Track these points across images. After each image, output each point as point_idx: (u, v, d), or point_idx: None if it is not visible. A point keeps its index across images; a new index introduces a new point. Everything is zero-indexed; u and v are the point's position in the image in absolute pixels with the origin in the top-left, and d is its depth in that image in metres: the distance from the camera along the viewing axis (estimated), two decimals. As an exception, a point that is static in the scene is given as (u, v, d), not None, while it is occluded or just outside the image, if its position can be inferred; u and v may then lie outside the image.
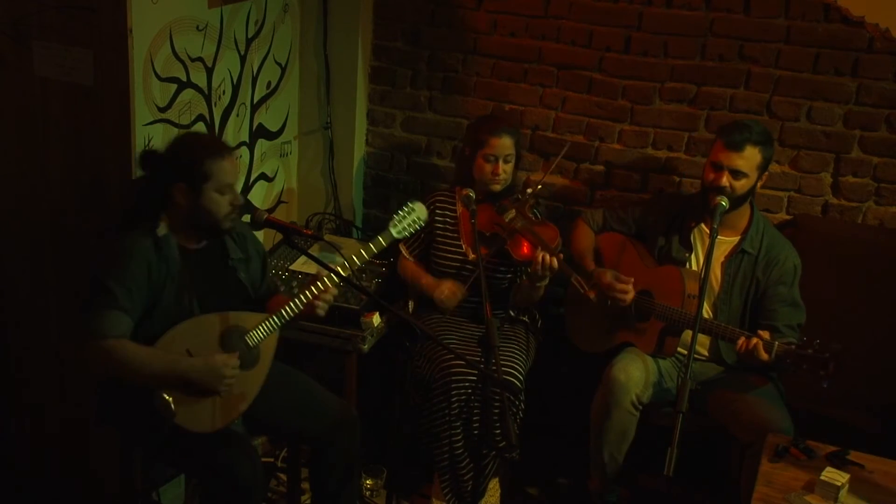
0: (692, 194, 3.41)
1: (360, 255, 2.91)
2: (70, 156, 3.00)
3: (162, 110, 3.03)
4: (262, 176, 3.79)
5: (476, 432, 3.20)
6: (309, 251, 2.93)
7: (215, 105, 3.32)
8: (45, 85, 2.94)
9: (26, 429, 3.40)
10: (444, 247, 3.48)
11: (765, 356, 2.89)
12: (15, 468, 3.43)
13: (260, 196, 3.79)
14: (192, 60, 3.14)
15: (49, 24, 2.86)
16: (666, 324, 3.16)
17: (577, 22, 3.66)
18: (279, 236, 3.42)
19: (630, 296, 3.23)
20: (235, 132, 3.50)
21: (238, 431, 2.83)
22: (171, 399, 2.61)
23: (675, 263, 3.26)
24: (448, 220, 3.50)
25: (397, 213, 3.06)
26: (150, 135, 2.98)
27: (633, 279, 3.24)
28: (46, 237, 3.12)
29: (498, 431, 3.16)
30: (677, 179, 3.71)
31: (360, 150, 4.08)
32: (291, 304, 2.80)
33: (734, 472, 3.24)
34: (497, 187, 3.40)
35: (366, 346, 3.34)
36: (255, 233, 2.99)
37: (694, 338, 2.80)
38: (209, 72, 3.25)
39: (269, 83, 3.69)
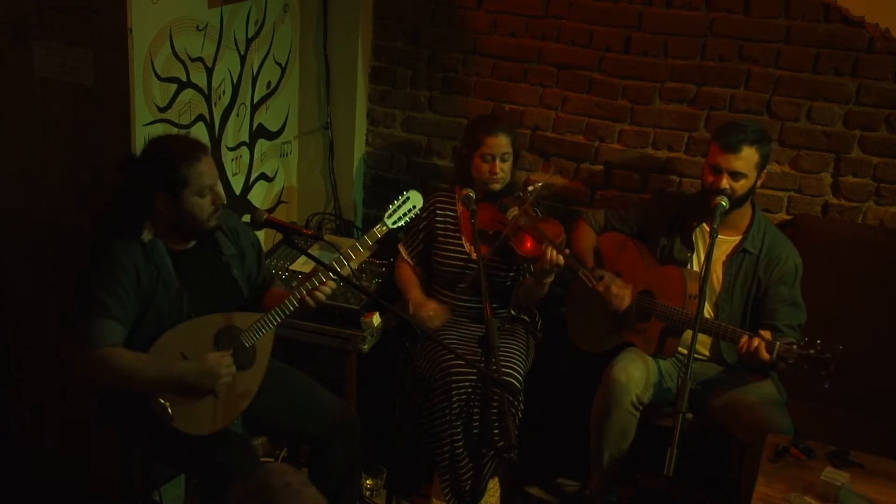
0: (693, 194, 3.41)
1: (355, 249, 2.88)
2: (70, 156, 3.00)
3: (162, 110, 3.03)
4: (262, 176, 3.79)
5: (476, 432, 3.20)
6: (309, 251, 2.92)
7: (215, 105, 3.32)
8: (45, 85, 2.94)
9: (26, 429, 3.40)
10: (447, 247, 3.48)
11: (766, 356, 2.89)
12: (15, 468, 3.43)
13: (260, 196, 3.79)
14: (192, 60, 3.14)
15: (49, 24, 2.86)
16: (667, 324, 3.16)
17: (577, 22, 3.66)
18: (279, 236, 3.42)
19: (626, 301, 3.23)
20: (235, 132, 3.50)
21: (237, 432, 2.83)
22: (167, 404, 2.60)
23: (677, 263, 3.26)
24: (449, 220, 3.50)
25: (392, 203, 3.03)
26: (150, 135, 2.97)
27: (631, 285, 3.24)
28: (46, 237, 3.12)
29: (497, 431, 3.16)
30: (677, 179, 3.71)
31: (360, 150, 4.08)
32: (286, 302, 2.79)
33: (734, 472, 3.25)
34: (496, 186, 3.40)
35: (366, 346, 3.34)
36: (246, 226, 2.97)
37: (694, 338, 2.80)
38: (209, 72, 3.25)
39: (269, 83, 3.69)
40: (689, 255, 3.27)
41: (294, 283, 3.44)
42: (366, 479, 3.52)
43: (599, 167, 3.80)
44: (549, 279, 3.30)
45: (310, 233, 2.96)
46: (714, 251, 3.05)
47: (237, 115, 3.49)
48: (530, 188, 3.37)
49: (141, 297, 2.64)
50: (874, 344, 3.33)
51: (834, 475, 2.58)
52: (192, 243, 2.79)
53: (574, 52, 3.70)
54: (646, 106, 3.67)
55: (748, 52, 3.49)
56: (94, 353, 2.55)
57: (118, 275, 2.60)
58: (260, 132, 3.70)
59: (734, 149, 3.08)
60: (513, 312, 3.51)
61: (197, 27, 3.14)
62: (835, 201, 3.56)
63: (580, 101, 3.75)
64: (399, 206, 3.03)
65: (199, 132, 3.25)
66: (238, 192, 3.60)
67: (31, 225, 3.13)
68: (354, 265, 2.86)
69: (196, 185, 2.63)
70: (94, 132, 2.94)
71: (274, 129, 3.81)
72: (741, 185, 3.10)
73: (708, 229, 3.21)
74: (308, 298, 2.80)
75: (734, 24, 3.48)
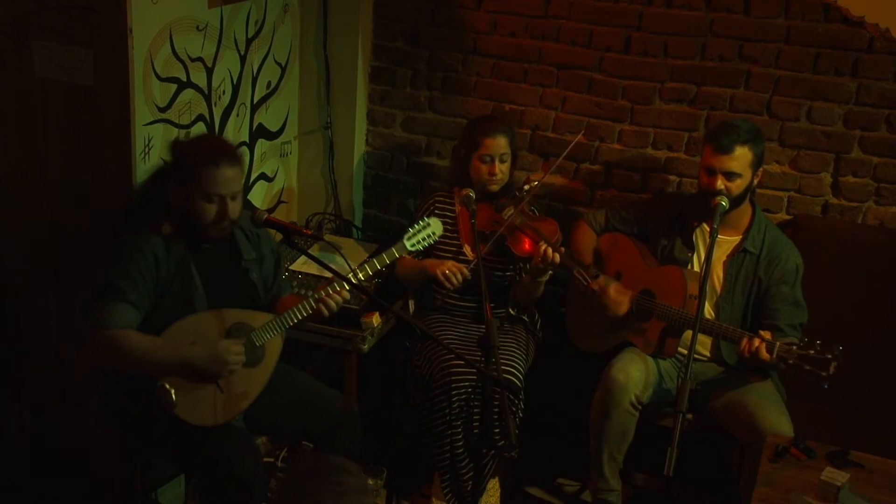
0: (694, 194, 3.41)
1: (371, 265, 2.93)
2: (70, 156, 3.00)
3: (162, 110, 3.03)
4: (262, 176, 3.79)
5: (476, 432, 3.20)
6: (309, 251, 2.93)
7: (215, 105, 3.32)
8: (45, 85, 2.94)
9: (26, 429, 3.40)
10: (444, 247, 3.47)
11: (767, 357, 2.89)
12: (15, 468, 3.43)
13: (260, 196, 3.79)
14: (192, 60, 3.14)
15: (49, 24, 2.86)
16: (667, 324, 3.16)
17: (577, 22, 3.66)
18: (279, 236, 3.42)
19: (624, 307, 3.23)
20: (235, 132, 3.50)
21: (239, 426, 2.83)
22: (172, 389, 2.61)
23: (677, 263, 3.26)
24: (447, 220, 3.49)
25: (413, 227, 3.10)
26: (150, 135, 2.98)
27: (630, 291, 3.24)
28: (46, 237, 3.12)
29: (497, 431, 3.16)
30: (677, 179, 3.71)
31: (360, 150, 4.08)
32: (300, 307, 2.80)
33: (734, 472, 3.25)
34: (495, 187, 3.40)
35: (366, 346, 3.34)
36: (268, 233, 2.98)
37: (694, 338, 2.80)
38: (209, 72, 3.25)
39: (269, 83, 3.69)
40: (689, 255, 3.27)
41: (294, 284, 3.45)
42: (366, 479, 3.51)
43: (599, 167, 3.80)
44: (545, 278, 3.31)
45: (310, 233, 2.97)
46: (714, 251, 3.05)
47: (237, 115, 3.49)
48: (526, 187, 3.37)
49: (157, 287, 2.66)
50: (874, 344, 3.33)
51: (834, 475, 2.57)
52: (212, 243, 2.80)
53: (574, 52, 3.70)
54: (646, 106, 3.67)
55: (748, 52, 3.49)
56: (106, 334, 2.56)
57: (137, 261, 2.62)
58: (260, 132, 3.70)
59: (727, 149, 3.08)
60: (512, 312, 3.51)
61: (197, 27, 3.14)
62: (835, 201, 3.56)
63: (580, 101, 3.75)
64: (419, 231, 3.09)
65: (199, 132, 3.24)
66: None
67: (30, 225, 3.13)
68: (363, 277, 2.92)
69: (204, 187, 2.64)
70: (94, 132, 2.94)
71: (274, 129, 3.81)
72: (737, 185, 3.10)
73: (708, 229, 3.21)
74: (322, 306, 2.83)
75: (734, 24, 3.48)
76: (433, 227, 3.12)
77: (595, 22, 3.64)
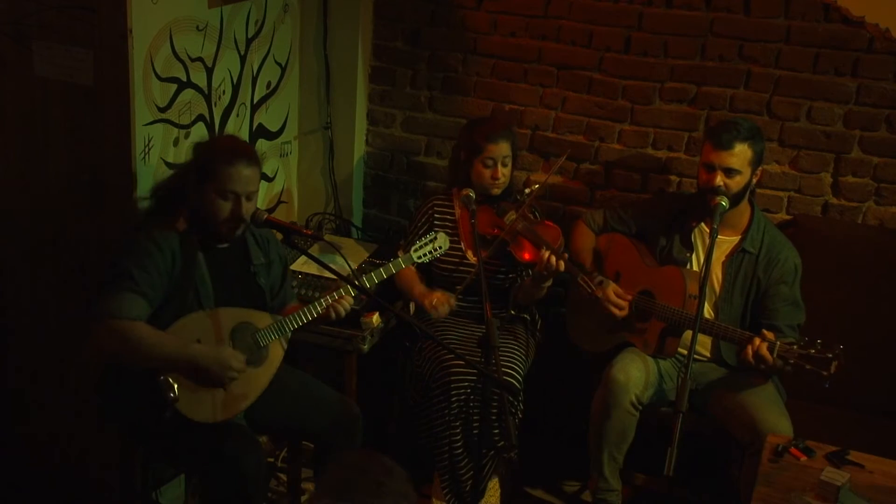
0: (692, 194, 3.41)
1: (378, 275, 3.01)
2: (70, 156, 3.00)
3: (162, 110, 3.03)
4: (263, 176, 3.75)
5: (476, 432, 3.20)
6: (309, 251, 2.94)
7: (215, 105, 3.32)
8: (45, 85, 2.94)
9: (26, 429, 3.40)
10: (446, 253, 3.46)
11: (770, 358, 2.89)
12: (15, 468, 3.43)
13: (260, 196, 3.77)
14: (192, 60, 3.14)
15: (49, 24, 2.86)
16: (667, 324, 3.16)
17: (577, 22, 3.66)
18: (279, 236, 3.42)
19: (624, 311, 3.23)
20: (235, 132, 3.50)
21: (241, 424, 2.84)
22: (175, 383, 2.62)
23: (676, 263, 3.26)
24: (447, 223, 3.49)
25: (420, 239, 3.20)
26: (150, 135, 2.98)
27: (630, 295, 3.24)
28: (46, 237, 3.12)
29: (497, 431, 3.16)
30: (677, 179, 3.71)
31: (360, 150, 4.08)
32: (306, 310, 2.82)
33: (734, 472, 3.25)
34: (496, 191, 3.40)
35: (366, 346, 3.34)
36: (277, 240, 3.01)
37: (694, 338, 2.80)
38: (209, 72, 3.25)
39: (269, 83, 3.69)
40: (688, 255, 3.27)
41: (294, 284, 3.45)
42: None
43: (599, 167, 3.80)
44: (548, 283, 3.31)
45: (310, 233, 2.99)
46: (713, 251, 3.05)
47: (237, 115, 3.49)
48: (527, 190, 3.37)
49: (170, 283, 2.67)
50: (874, 344, 3.33)
51: (834, 475, 2.58)
52: (225, 245, 2.83)
53: (574, 52, 3.70)
54: (646, 106, 3.67)
55: (748, 52, 3.49)
56: (116, 323, 2.57)
57: (153, 254, 2.64)
58: (260, 132, 3.70)
59: (727, 146, 3.08)
60: (512, 312, 3.51)
61: (197, 27, 3.14)
62: (835, 201, 3.56)
63: (580, 101, 3.75)
64: (426, 244, 3.20)
65: (199, 132, 3.25)
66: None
67: (30, 225, 3.13)
68: (368, 285, 2.99)
69: (220, 183, 2.67)
70: (94, 132, 2.94)
71: (274, 129, 3.81)
72: (735, 182, 3.10)
73: (707, 229, 3.22)
74: (331, 310, 2.88)
75: (734, 24, 3.48)
76: (440, 242, 3.22)
77: (595, 22, 3.64)
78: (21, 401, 3.37)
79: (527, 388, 3.29)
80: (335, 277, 2.89)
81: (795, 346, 2.85)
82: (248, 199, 2.74)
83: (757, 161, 3.14)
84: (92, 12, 2.80)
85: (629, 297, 3.24)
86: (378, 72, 3.98)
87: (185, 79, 3.12)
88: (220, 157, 2.70)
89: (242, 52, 3.44)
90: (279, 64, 3.74)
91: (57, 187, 3.05)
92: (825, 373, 2.77)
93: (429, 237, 3.20)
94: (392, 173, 4.10)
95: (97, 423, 3.07)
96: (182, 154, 3.12)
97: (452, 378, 3.19)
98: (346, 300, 2.91)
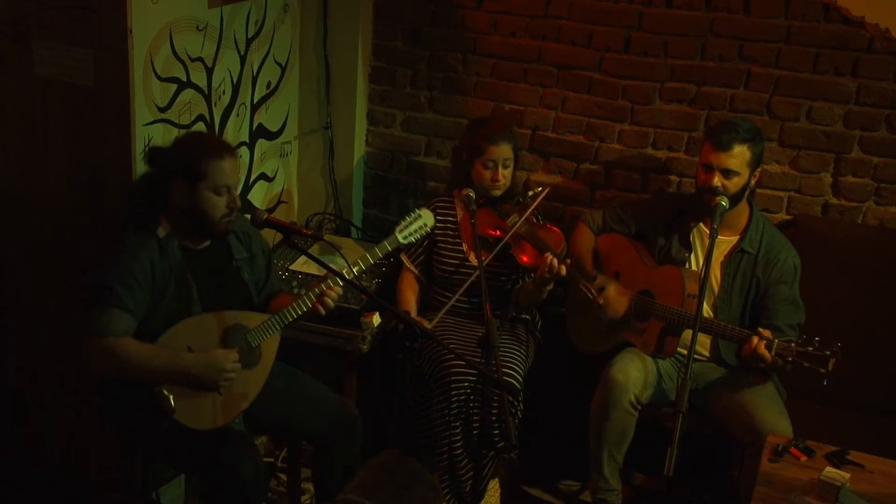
0: (691, 194, 3.41)
1: (364, 260, 2.94)
2: (70, 156, 3.00)
3: (162, 110, 3.03)
4: (262, 176, 3.79)
5: (476, 432, 3.19)
6: (309, 251, 2.93)
7: (215, 105, 3.32)
8: (45, 85, 2.94)
9: (26, 429, 3.40)
10: (446, 252, 3.47)
11: (766, 355, 2.89)
12: (15, 468, 3.43)
13: (260, 196, 3.79)
14: (192, 60, 3.14)
15: (49, 24, 2.87)
16: (666, 324, 3.16)
17: (577, 22, 3.66)
18: (279, 236, 3.41)
19: (621, 312, 3.24)
20: (235, 132, 3.50)
21: (239, 429, 2.83)
22: (170, 395, 2.61)
23: (674, 263, 3.26)
24: (449, 225, 3.49)
25: (404, 219, 3.10)
26: (150, 135, 2.98)
27: (627, 295, 3.24)
28: (46, 237, 3.12)
29: (497, 432, 3.16)
30: (677, 179, 3.71)
31: (360, 150, 4.08)
32: (294, 306, 2.80)
33: (734, 472, 3.24)
34: (497, 192, 3.40)
35: (366, 346, 3.34)
36: (259, 232, 2.99)
37: (694, 338, 2.80)
38: (209, 72, 3.25)
39: (269, 83, 3.69)
40: (686, 255, 3.27)
41: (294, 284, 3.45)
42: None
43: (599, 167, 3.80)
44: (550, 287, 3.30)
45: (310, 233, 2.97)
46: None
47: (237, 115, 3.49)
48: (530, 193, 3.36)
49: (153, 292, 2.66)
50: (874, 344, 3.33)
51: (834, 475, 2.58)
52: (206, 244, 2.80)
53: (574, 52, 3.70)
54: (646, 106, 3.67)
55: (748, 52, 3.49)
56: (102, 342, 2.56)
57: (133, 266, 2.62)
58: (260, 132, 3.70)
59: (726, 147, 3.08)
60: (513, 313, 3.50)
61: (197, 27, 3.14)
62: (835, 201, 3.56)
63: (580, 101, 3.75)
64: (411, 223, 3.10)
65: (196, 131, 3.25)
66: (238, 195, 3.59)
67: (30, 225, 3.13)
68: (357, 272, 2.92)
69: (213, 180, 2.65)
70: (94, 132, 2.94)
71: (274, 129, 3.81)
72: (734, 183, 3.10)
73: (706, 229, 3.22)
74: (319, 305, 2.84)
75: (734, 24, 3.48)
76: (425, 219, 3.12)
77: (595, 22, 3.64)
78: (21, 401, 3.37)
79: (527, 388, 3.29)
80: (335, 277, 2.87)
81: (793, 344, 2.85)
82: (236, 189, 2.74)
83: (756, 162, 3.14)
84: (92, 12, 2.80)
85: (627, 294, 3.24)
86: (378, 72, 3.98)
87: (185, 79, 3.12)
88: (205, 156, 2.65)
89: (242, 52, 3.44)
90: (279, 64, 3.74)
91: (57, 187, 3.05)
92: (823, 370, 2.77)
93: (413, 215, 3.11)
94: (392, 173, 4.10)
95: (97, 423, 3.07)
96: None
97: (453, 378, 3.19)
98: (333, 292, 2.86)
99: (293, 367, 3.06)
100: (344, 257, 2.92)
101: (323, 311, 2.87)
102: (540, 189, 3.37)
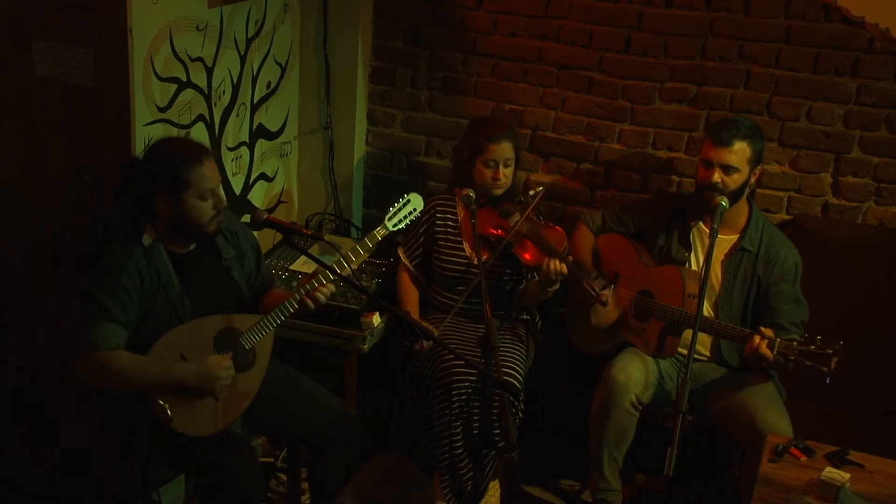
0: (691, 193, 3.41)
1: (356, 252, 2.90)
2: (70, 156, 3.00)
3: (162, 110, 3.03)
4: (262, 176, 3.79)
5: (476, 432, 3.19)
6: (309, 251, 2.93)
7: (215, 105, 3.32)
8: (45, 85, 2.94)
9: (27, 429, 3.40)
10: (447, 251, 3.47)
11: (768, 354, 2.89)
12: (15, 468, 3.43)
13: (260, 196, 3.79)
14: (192, 60, 3.14)
15: (49, 24, 2.86)
16: (666, 323, 3.16)
17: (577, 22, 3.66)
18: (279, 236, 3.42)
19: (612, 317, 3.24)
20: (235, 132, 3.50)
21: (237, 432, 2.83)
22: (166, 405, 2.60)
23: (674, 263, 3.26)
24: (449, 223, 3.49)
25: (392, 206, 3.06)
26: (150, 135, 2.97)
27: (629, 295, 3.25)
28: (46, 237, 3.12)
29: (497, 431, 3.16)
30: (677, 179, 3.71)
31: (360, 150, 4.08)
32: (286, 304, 2.79)
33: (734, 472, 3.24)
34: (498, 192, 3.40)
35: (366, 346, 3.34)
36: (246, 227, 2.98)
37: (694, 338, 2.79)
38: (209, 72, 3.25)
39: (269, 83, 3.69)
40: (686, 254, 3.27)
41: (294, 284, 3.45)
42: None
43: (599, 167, 3.80)
44: (554, 287, 3.29)
45: (310, 233, 2.96)
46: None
47: (237, 115, 3.49)
48: (531, 192, 3.36)
49: (142, 301, 2.64)
50: (874, 344, 3.33)
51: (834, 475, 2.58)
52: (193, 246, 2.79)
53: (574, 52, 3.70)
54: (646, 106, 3.67)
55: (748, 52, 3.49)
56: (94, 356, 2.55)
57: (120, 277, 2.60)
58: (260, 132, 3.70)
59: (726, 142, 3.08)
60: (514, 314, 3.50)
61: (197, 27, 3.14)
62: (835, 201, 3.56)
63: (580, 101, 3.75)
64: (400, 209, 3.05)
65: (199, 132, 3.25)
66: (238, 192, 3.60)
67: (30, 225, 3.13)
68: (355, 266, 2.88)
69: (198, 187, 2.63)
70: (94, 132, 2.94)
71: (274, 129, 3.81)
72: (733, 180, 3.10)
73: (705, 229, 3.22)
74: (307, 300, 2.81)
75: (734, 24, 3.48)
76: (413, 203, 3.08)
77: (595, 22, 3.64)
78: (21, 401, 3.37)
79: (527, 388, 3.29)
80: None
81: (795, 343, 2.85)
82: (219, 187, 2.71)
83: (756, 160, 3.14)
84: (92, 12, 2.80)
85: (627, 295, 3.25)
86: (378, 72, 3.98)
87: (185, 79, 3.12)
88: (184, 165, 2.61)
89: (242, 52, 3.44)
90: (279, 64, 3.74)
91: (57, 187, 3.05)
92: (825, 369, 2.77)
93: (401, 201, 3.07)
94: (392, 173, 4.10)
95: (97, 423, 3.07)
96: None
97: (454, 378, 3.18)
98: (325, 288, 2.83)
99: (292, 367, 3.06)
100: (344, 257, 2.91)
101: (313, 307, 2.82)
102: (541, 188, 3.37)
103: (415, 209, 3.08)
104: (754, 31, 3.46)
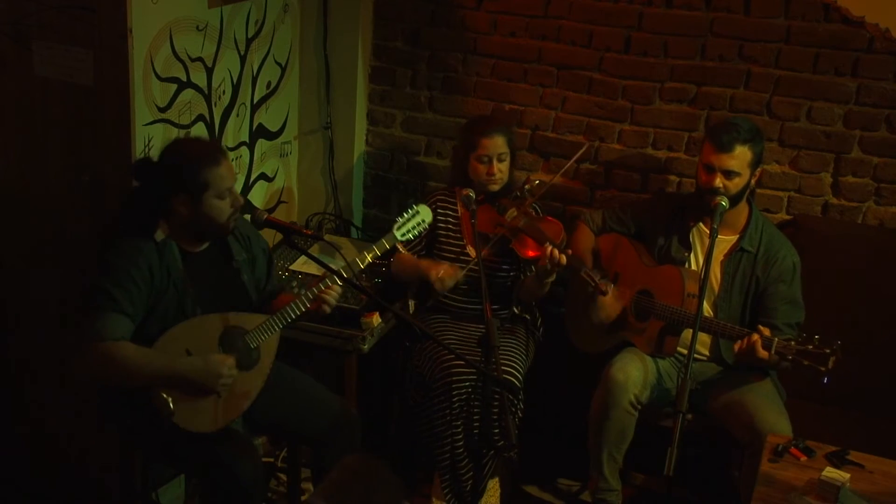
0: (690, 193, 3.41)
1: (363, 258, 2.93)
2: (70, 156, 3.00)
3: (162, 110, 3.03)
4: (262, 176, 3.79)
5: (476, 432, 3.20)
6: (309, 251, 2.93)
7: (215, 105, 3.32)
8: (45, 85, 2.94)
9: (26, 429, 3.40)
10: (448, 247, 3.47)
11: (764, 354, 2.89)
12: (15, 468, 3.43)
13: (260, 196, 3.79)
14: (192, 60, 3.14)
15: (49, 24, 2.87)
16: (666, 323, 3.16)
17: (577, 22, 3.66)
18: (279, 236, 3.41)
19: (615, 312, 3.25)
20: (235, 132, 3.51)
21: (238, 431, 2.83)
22: (169, 399, 2.61)
23: (674, 263, 3.26)
24: (450, 220, 3.49)
25: (402, 216, 3.09)
26: (150, 135, 2.98)
27: (628, 293, 3.25)
28: (46, 237, 3.12)
29: (497, 431, 3.16)
30: (677, 179, 3.71)
31: (360, 150, 4.08)
32: (293, 306, 2.80)
33: (734, 472, 3.25)
34: (494, 187, 3.40)
35: (366, 346, 3.34)
36: (259, 233, 2.99)
37: (694, 337, 2.79)
38: (209, 72, 3.25)
39: (269, 83, 3.69)
40: (686, 254, 3.27)
41: (294, 284, 3.45)
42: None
43: (599, 167, 3.80)
44: (551, 279, 3.30)
45: (310, 233, 2.97)
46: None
47: (237, 115, 3.49)
48: (527, 187, 3.37)
49: (151, 296, 2.65)
50: (874, 344, 3.33)
51: (834, 475, 2.58)
52: (205, 246, 2.80)
53: (574, 52, 3.70)
54: (646, 106, 3.67)
55: (748, 52, 3.49)
56: (100, 346, 2.55)
57: (130, 271, 2.60)
58: (260, 132, 3.70)
59: (727, 148, 3.08)
60: (515, 311, 3.51)
61: (197, 27, 3.14)
62: (835, 201, 3.56)
63: (580, 101, 3.75)
64: (409, 219, 3.09)
65: (199, 132, 3.25)
66: (238, 192, 3.60)
67: (30, 225, 3.13)
68: (356, 270, 2.90)
69: (216, 188, 2.65)
70: (94, 132, 2.94)
71: (274, 129, 3.81)
72: (735, 184, 3.11)
73: (705, 229, 3.22)
74: (323, 305, 2.83)
75: (734, 24, 3.48)
76: (423, 215, 3.11)
77: (595, 22, 3.64)
78: (21, 401, 3.37)
79: (527, 387, 3.29)
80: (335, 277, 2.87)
81: (793, 343, 2.85)
82: (235, 185, 2.74)
83: (756, 162, 3.14)
84: (92, 12, 2.80)
85: (625, 294, 3.25)
86: (378, 72, 3.98)
87: (185, 79, 3.12)
88: (202, 166, 2.62)
89: (242, 52, 3.44)
90: (279, 64, 3.74)
91: (57, 187, 3.05)
92: (823, 368, 2.77)
93: (411, 212, 3.09)
94: (392, 173, 4.10)
95: (97, 423, 3.07)
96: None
97: (454, 378, 3.19)
98: (332, 291, 2.84)
99: (293, 367, 3.06)
100: (344, 257, 2.91)
101: (327, 310, 2.86)
102: (538, 182, 3.37)
103: (423, 220, 3.11)
104: (754, 31, 3.46)
